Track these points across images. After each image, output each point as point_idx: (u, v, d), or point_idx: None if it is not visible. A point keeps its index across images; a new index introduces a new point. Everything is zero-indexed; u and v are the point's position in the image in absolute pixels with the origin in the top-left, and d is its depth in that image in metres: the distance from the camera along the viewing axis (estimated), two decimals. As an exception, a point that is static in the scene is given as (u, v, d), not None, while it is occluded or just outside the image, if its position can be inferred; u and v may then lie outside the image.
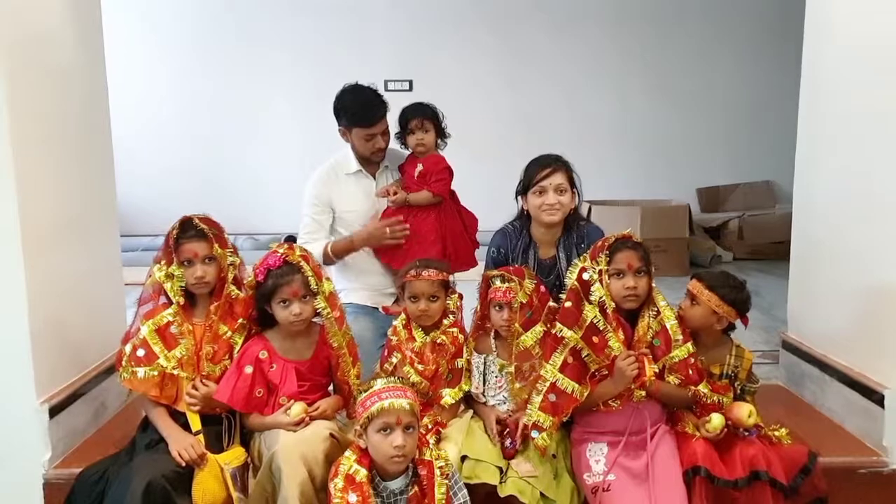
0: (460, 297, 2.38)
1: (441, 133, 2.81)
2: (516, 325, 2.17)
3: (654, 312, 2.07)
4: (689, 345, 2.08)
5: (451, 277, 2.34)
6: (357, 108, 2.77)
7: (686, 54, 7.04)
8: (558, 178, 2.42)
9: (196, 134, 6.98)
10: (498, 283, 2.20)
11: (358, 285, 2.89)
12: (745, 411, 2.08)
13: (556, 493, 2.05)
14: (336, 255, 2.80)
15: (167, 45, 6.89)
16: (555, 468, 2.12)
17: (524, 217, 2.55)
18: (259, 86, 6.96)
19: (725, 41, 7.02)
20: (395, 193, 2.76)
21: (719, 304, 2.12)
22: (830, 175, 2.64)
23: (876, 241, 2.36)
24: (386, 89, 6.14)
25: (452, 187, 2.85)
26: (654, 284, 2.10)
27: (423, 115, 2.78)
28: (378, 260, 2.84)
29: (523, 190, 2.50)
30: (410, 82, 6.84)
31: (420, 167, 2.77)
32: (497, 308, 2.21)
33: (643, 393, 2.05)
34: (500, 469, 2.07)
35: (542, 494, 2.03)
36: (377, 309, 2.86)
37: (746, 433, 2.09)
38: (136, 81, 6.59)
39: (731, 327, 2.23)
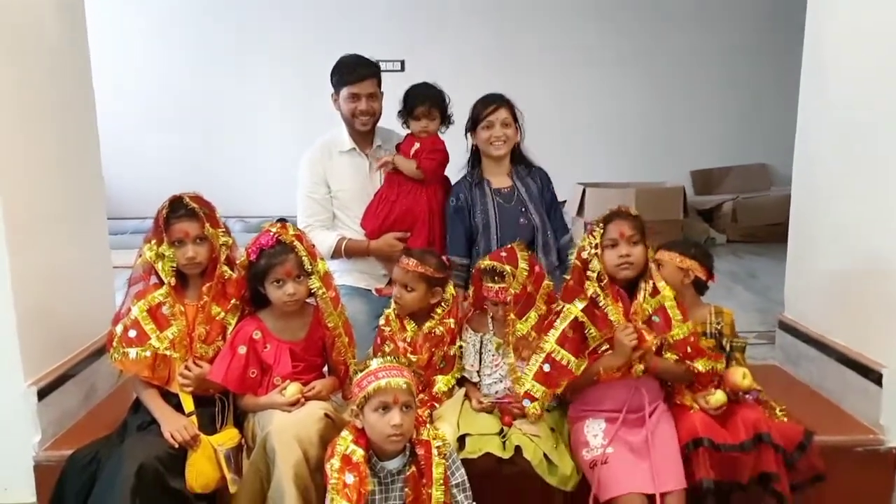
0: (456, 285, 2.35)
1: (445, 119, 2.77)
2: (511, 315, 2.14)
3: (652, 288, 2.05)
4: (689, 324, 2.07)
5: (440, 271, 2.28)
6: (344, 68, 2.77)
7: (681, 37, 7.00)
8: (503, 114, 2.62)
9: (185, 116, 6.89)
10: (489, 282, 2.16)
11: (351, 267, 2.86)
12: (738, 375, 2.13)
13: (559, 460, 2.04)
14: (348, 254, 2.79)
15: (158, 27, 6.80)
16: (556, 440, 2.11)
17: (473, 154, 2.71)
18: (249, 68, 6.88)
19: (721, 24, 6.98)
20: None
21: (681, 260, 2.27)
22: (829, 156, 2.62)
23: (874, 220, 2.35)
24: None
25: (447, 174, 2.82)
26: (650, 260, 2.08)
27: (430, 104, 2.72)
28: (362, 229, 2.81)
29: (472, 126, 2.66)
30: (402, 62, 6.77)
31: (417, 145, 2.73)
32: (491, 304, 2.19)
33: (642, 367, 2.03)
34: (502, 433, 2.07)
35: (546, 458, 2.02)
36: (370, 291, 2.83)
37: (747, 396, 2.13)
38: (127, 63, 6.52)
39: (704, 288, 2.31)
